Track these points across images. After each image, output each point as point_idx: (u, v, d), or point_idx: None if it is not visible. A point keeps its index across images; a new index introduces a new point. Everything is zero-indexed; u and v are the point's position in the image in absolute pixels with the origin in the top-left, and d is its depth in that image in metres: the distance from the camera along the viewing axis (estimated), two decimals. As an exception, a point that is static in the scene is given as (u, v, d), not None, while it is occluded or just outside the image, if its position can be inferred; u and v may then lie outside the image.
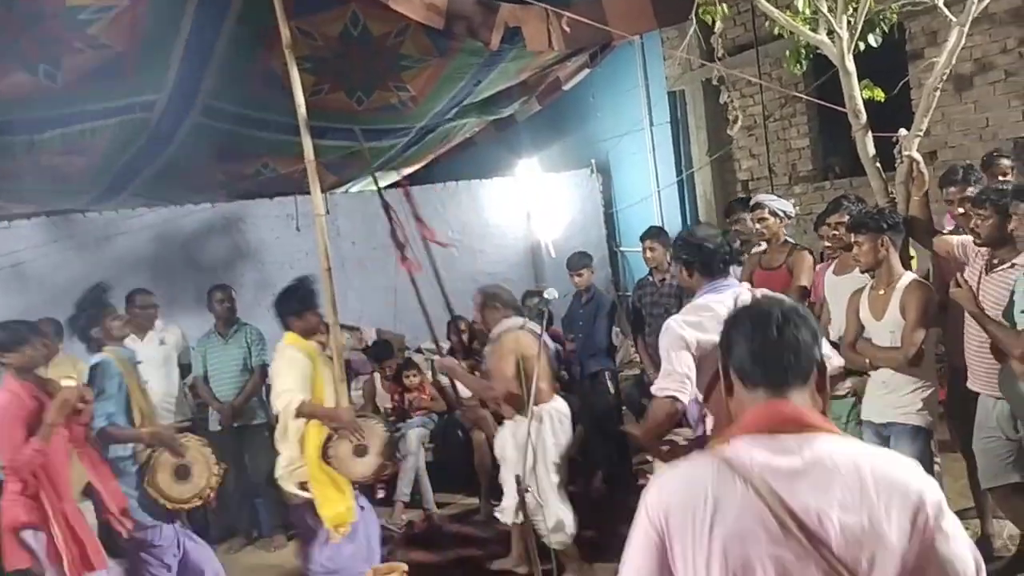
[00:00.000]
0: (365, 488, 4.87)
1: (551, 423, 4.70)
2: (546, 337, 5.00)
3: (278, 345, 4.73)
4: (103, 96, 5.85)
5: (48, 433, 3.86)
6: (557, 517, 4.56)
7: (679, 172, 8.42)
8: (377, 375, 6.94)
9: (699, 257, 3.29)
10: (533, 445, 4.52)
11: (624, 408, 6.50)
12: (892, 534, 1.43)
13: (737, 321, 1.65)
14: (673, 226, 7.18)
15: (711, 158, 7.99)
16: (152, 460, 4.40)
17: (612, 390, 6.23)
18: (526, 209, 9.13)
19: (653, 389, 3.13)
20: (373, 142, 8.01)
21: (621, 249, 9.29)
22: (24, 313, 6.62)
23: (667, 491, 1.57)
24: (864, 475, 1.46)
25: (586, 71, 7.86)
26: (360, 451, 4.57)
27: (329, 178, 8.67)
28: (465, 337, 6.96)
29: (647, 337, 5.98)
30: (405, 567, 4.07)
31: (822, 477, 1.46)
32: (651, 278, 6.06)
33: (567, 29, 5.40)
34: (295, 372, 4.50)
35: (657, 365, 5.80)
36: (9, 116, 5.67)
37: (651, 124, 8.66)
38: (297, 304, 4.73)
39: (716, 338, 1.72)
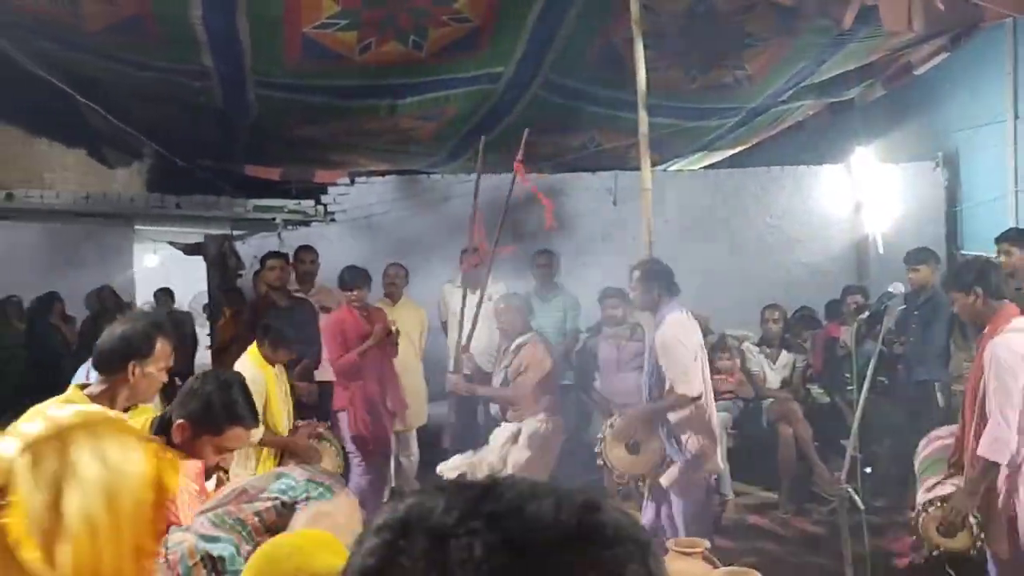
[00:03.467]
0: None
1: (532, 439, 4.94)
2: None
3: (241, 360, 4.70)
4: (458, 67, 6.34)
5: (364, 350, 5.56)
6: None
7: (1044, 171, 7.45)
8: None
9: None
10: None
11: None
12: None
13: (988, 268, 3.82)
14: (1030, 230, 6.37)
15: (1088, 157, 6.98)
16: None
17: (941, 403, 5.70)
18: (855, 200, 8.56)
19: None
20: (700, 121, 7.94)
21: (962, 252, 8.41)
22: (371, 259, 7.44)
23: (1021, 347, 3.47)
24: None
25: (944, 55, 7.18)
26: None
27: (650, 155, 8.76)
28: (778, 327, 6.73)
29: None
30: (707, 543, 4.02)
31: None
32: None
33: (941, 6, 4.94)
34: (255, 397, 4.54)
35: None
36: (379, 81, 6.33)
37: (1015, 117, 7.70)
38: (275, 336, 4.79)
39: None
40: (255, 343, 4.78)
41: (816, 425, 6.14)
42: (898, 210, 8.33)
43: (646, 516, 4.64)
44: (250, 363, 4.59)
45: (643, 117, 5.69)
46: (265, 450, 4.67)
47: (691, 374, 4.35)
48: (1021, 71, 7.73)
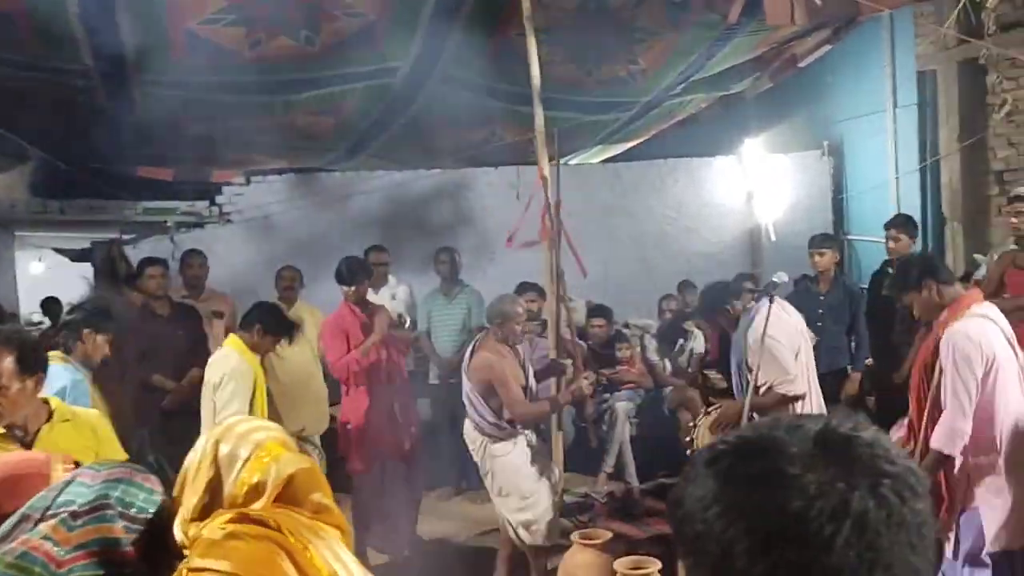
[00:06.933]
0: None
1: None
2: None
3: (222, 351, 4.43)
4: (353, 61, 6.22)
5: (368, 348, 5.00)
6: None
7: (923, 159, 7.82)
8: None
9: None
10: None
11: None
12: None
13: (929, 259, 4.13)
14: (912, 215, 6.71)
15: (961, 145, 7.35)
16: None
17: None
18: (747, 190, 8.84)
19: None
20: (598, 115, 8.03)
21: (848, 237, 8.78)
22: (269, 261, 7.26)
23: (979, 335, 3.40)
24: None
25: (826, 47, 7.44)
26: None
27: (551, 149, 8.82)
28: (669, 316, 6.88)
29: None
30: (609, 534, 4.09)
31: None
32: (891, 269, 5.68)
33: (818, 1, 5.12)
34: (244, 390, 4.20)
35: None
36: (272, 77, 6.18)
37: (895, 106, 8.08)
38: (269, 323, 4.49)
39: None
40: (240, 330, 4.42)
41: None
42: (788, 198, 8.63)
43: None
44: (236, 354, 4.23)
45: (539, 112, 5.72)
46: None
47: (792, 372, 4.06)
48: (898, 62, 8.12)
